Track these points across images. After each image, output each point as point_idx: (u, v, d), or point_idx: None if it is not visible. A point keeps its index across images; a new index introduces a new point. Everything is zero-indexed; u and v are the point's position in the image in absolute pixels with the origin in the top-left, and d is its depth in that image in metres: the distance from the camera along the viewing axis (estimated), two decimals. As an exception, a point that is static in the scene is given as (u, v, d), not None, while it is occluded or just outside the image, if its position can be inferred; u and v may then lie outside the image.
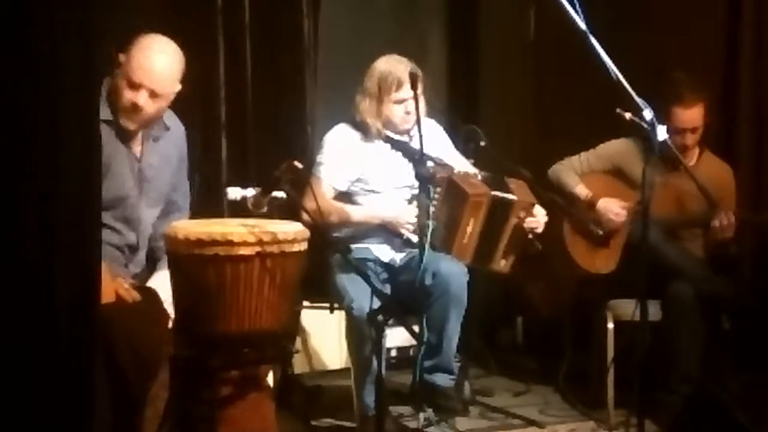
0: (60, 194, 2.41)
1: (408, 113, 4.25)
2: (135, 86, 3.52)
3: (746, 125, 4.89)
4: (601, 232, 4.61)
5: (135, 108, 3.53)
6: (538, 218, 4.35)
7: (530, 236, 4.33)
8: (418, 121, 3.90)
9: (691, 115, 4.50)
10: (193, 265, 3.29)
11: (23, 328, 2.37)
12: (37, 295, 2.38)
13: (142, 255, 3.70)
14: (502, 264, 4.36)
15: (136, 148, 3.64)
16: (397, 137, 4.29)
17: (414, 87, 3.98)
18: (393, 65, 4.28)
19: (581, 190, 4.68)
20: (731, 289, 4.49)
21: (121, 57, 3.55)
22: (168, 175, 3.74)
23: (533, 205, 4.35)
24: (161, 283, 3.56)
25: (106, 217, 3.47)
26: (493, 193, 4.26)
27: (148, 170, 3.66)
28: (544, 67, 5.79)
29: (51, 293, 2.40)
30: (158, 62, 3.54)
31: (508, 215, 4.29)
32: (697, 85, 4.55)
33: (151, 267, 3.73)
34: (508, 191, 4.31)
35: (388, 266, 4.33)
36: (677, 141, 4.39)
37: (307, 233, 3.43)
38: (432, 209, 4.04)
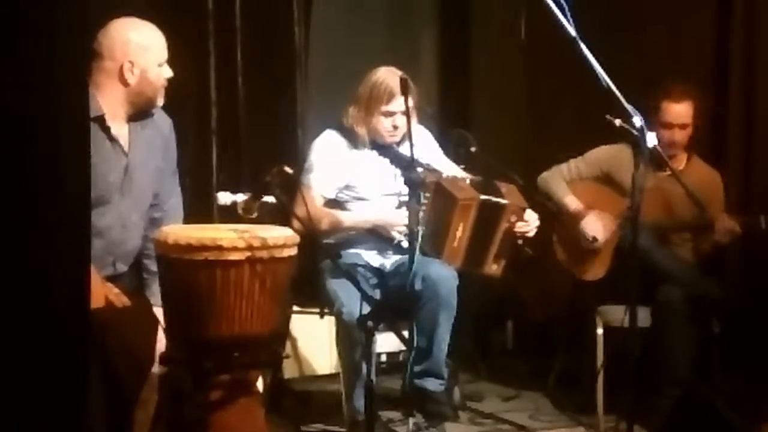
0: (53, 199, 2.42)
1: (395, 127, 4.23)
2: (162, 63, 3.56)
3: (735, 128, 4.90)
4: (589, 244, 4.62)
5: (167, 81, 3.60)
6: (529, 222, 4.33)
7: (521, 242, 4.33)
8: (409, 130, 3.87)
9: (680, 110, 4.52)
10: (183, 269, 3.29)
11: (17, 331, 2.38)
12: (32, 298, 2.39)
13: (123, 259, 3.62)
14: (494, 268, 4.33)
15: (124, 141, 3.55)
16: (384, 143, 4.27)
17: (405, 97, 3.96)
18: (387, 77, 4.23)
19: (570, 201, 4.68)
20: (721, 292, 4.49)
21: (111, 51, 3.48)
22: (152, 165, 3.65)
23: (524, 209, 4.33)
24: (152, 293, 3.59)
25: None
26: (483, 197, 4.24)
27: (134, 161, 3.57)
28: (536, 69, 5.78)
29: (45, 296, 2.41)
30: (156, 32, 3.57)
31: (499, 219, 4.27)
32: (688, 86, 4.59)
33: (136, 274, 3.68)
34: (499, 195, 4.29)
35: (378, 271, 4.33)
36: (665, 136, 4.44)
37: (297, 238, 3.43)
38: (422, 214, 4.04)
